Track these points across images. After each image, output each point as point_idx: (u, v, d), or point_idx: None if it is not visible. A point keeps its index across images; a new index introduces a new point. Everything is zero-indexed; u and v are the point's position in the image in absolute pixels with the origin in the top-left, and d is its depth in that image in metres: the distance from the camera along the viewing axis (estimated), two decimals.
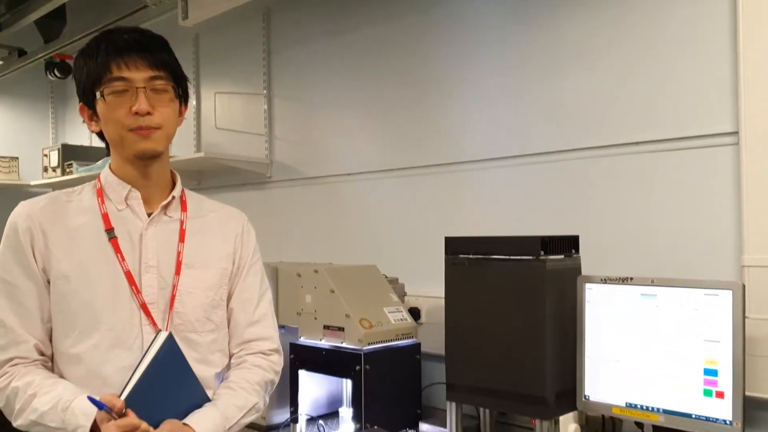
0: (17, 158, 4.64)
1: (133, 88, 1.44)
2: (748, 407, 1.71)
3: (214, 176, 3.72)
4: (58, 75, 4.46)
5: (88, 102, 1.51)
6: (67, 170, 4.31)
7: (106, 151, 1.59)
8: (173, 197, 1.57)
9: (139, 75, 1.45)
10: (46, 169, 4.52)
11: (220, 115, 3.71)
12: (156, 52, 1.48)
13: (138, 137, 1.46)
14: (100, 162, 4.06)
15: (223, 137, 3.70)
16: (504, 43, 2.54)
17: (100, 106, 1.47)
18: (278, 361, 1.66)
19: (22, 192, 4.57)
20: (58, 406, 1.37)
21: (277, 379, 1.65)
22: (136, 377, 1.38)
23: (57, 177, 4.37)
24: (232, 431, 1.50)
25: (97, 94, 1.46)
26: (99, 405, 1.31)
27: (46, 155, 4.52)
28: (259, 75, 3.52)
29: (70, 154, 4.36)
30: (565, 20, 2.37)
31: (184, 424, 1.41)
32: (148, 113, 1.44)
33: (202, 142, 3.85)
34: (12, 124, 4.92)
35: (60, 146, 4.42)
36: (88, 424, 1.33)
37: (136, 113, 1.44)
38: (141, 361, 1.40)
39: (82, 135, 4.80)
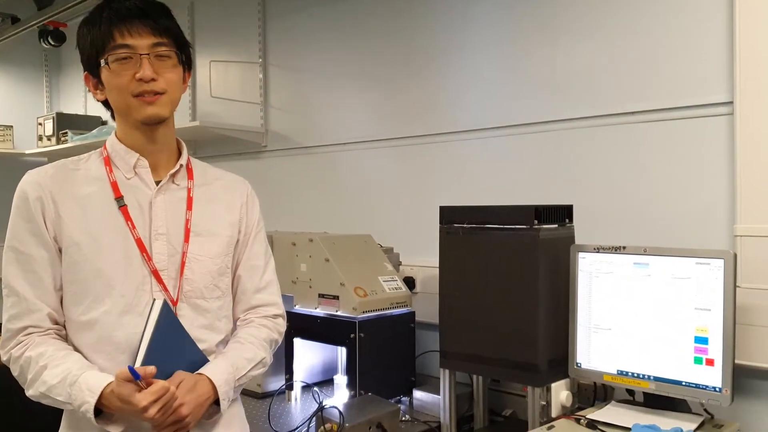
0: (11, 127, 4.60)
1: (137, 55, 1.45)
2: (738, 375, 1.73)
3: (210, 145, 3.71)
4: (52, 43, 4.41)
5: (92, 71, 1.51)
6: (62, 139, 4.29)
7: (110, 117, 1.59)
8: (180, 165, 1.58)
9: (142, 42, 1.45)
10: (40, 138, 4.49)
11: (215, 83, 3.69)
12: (158, 19, 1.48)
13: (143, 104, 1.47)
14: (95, 131, 4.05)
15: (219, 106, 3.68)
16: (499, 13, 2.52)
17: (104, 74, 1.48)
18: (283, 324, 1.71)
19: (17, 161, 4.56)
20: (66, 380, 1.38)
21: (280, 340, 1.69)
22: (144, 346, 1.40)
23: (52, 146, 4.35)
24: (240, 383, 1.54)
25: (102, 62, 1.46)
26: (135, 375, 1.33)
27: (40, 124, 4.49)
28: (254, 43, 3.49)
29: (65, 122, 4.33)
30: None
31: (198, 374, 1.45)
32: (153, 79, 1.45)
33: (198, 111, 3.83)
34: (6, 93, 4.87)
35: (55, 115, 4.39)
36: (93, 401, 1.35)
37: (140, 79, 1.44)
38: (144, 330, 1.42)
39: (77, 103, 4.78)
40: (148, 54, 1.45)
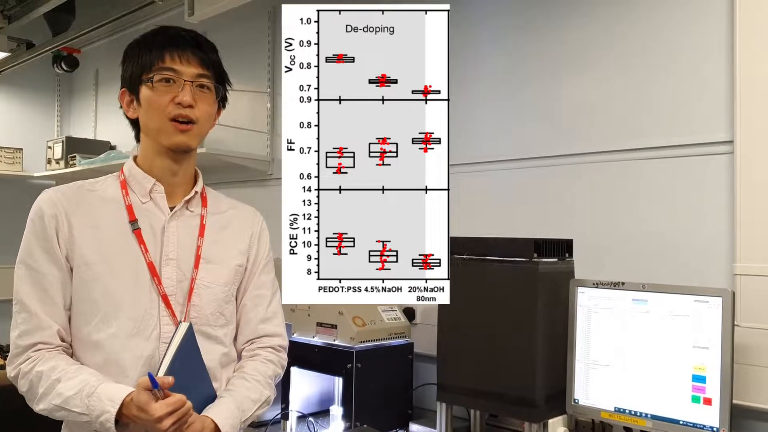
0: (21, 149, 4.64)
1: (181, 81, 1.50)
2: (736, 415, 1.72)
3: (216, 172, 3.72)
4: (65, 68, 4.49)
5: (132, 87, 1.55)
6: (70, 162, 4.32)
7: (137, 138, 1.62)
8: (195, 192, 1.60)
9: (189, 69, 1.52)
10: (49, 161, 4.53)
11: (223, 112, 3.72)
12: (208, 53, 1.56)
13: (176, 130, 1.51)
14: (102, 155, 4.08)
15: (226, 134, 3.71)
16: (500, 48, 2.55)
17: (144, 92, 1.52)
18: (285, 358, 1.72)
19: (26, 183, 4.60)
20: (83, 391, 1.38)
21: (282, 374, 1.70)
22: (167, 362, 1.41)
23: (60, 169, 4.38)
24: (245, 425, 1.54)
25: (146, 79, 1.51)
26: (154, 383, 1.34)
27: (50, 147, 4.53)
28: (263, 73, 3.53)
29: (74, 146, 4.37)
30: (561, 26, 2.38)
31: (205, 416, 1.45)
32: (190, 105, 1.50)
33: (205, 138, 3.85)
34: (18, 116, 4.93)
35: (64, 138, 4.44)
36: (114, 410, 1.35)
37: (179, 103, 1.49)
38: (167, 351, 1.43)
39: (87, 128, 4.83)
40: (191, 82, 1.51)
